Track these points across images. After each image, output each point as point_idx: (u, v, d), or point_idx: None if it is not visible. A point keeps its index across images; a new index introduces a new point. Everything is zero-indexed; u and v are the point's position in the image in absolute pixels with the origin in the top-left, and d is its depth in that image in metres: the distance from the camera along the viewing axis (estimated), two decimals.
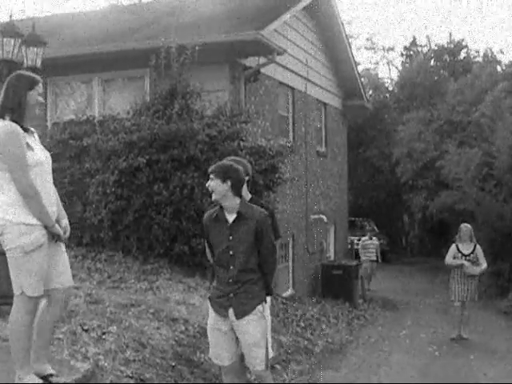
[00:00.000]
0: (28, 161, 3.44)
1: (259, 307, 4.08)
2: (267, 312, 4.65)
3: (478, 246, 9.23)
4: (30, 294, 3.45)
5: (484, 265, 9.14)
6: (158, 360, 5.14)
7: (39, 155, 3.54)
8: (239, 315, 4.03)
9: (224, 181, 4.01)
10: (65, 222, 3.71)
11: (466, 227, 9.35)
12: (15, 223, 3.41)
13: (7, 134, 3.41)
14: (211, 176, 4.07)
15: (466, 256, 9.10)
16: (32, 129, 3.70)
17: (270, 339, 4.61)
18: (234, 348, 4.13)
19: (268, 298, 4.51)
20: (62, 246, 3.69)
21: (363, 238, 16.93)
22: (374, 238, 16.88)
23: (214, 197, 4.06)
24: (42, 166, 3.54)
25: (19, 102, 3.50)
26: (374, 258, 16.39)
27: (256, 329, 4.05)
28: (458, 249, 9.19)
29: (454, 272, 9.21)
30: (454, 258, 9.15)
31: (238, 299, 4.03)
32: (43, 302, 3.62)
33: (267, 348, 4.19)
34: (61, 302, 3.63)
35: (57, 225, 3.56)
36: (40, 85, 3.64)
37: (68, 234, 3.71)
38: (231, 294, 4.04)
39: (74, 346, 4.65)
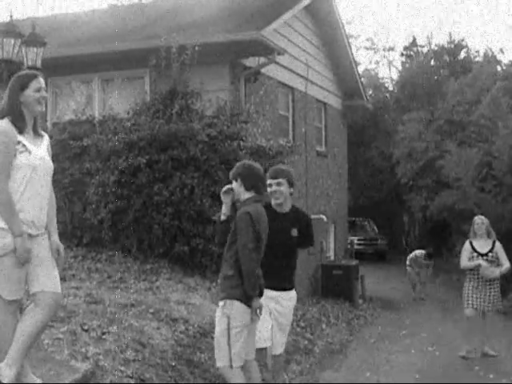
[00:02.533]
0: (16, 162, 3.40)
1: (221, 303, 4.13)
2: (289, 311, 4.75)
3: (497, 243, 7.68)
4: (6, 297, 3.42)
5: (507, 264, 7.61)
6: (158, 360, 5.14)
7: (33, 160, 3.48)
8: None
9: (235, 179, 4.27)
10: (54, 237, 3.64)
11: (480, 220, 7.82)
12: None
13: None
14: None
15: (482, 255, 7.60)
16: (42, 132, 3.68)
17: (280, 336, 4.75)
18: None
19: (292, 294, 4.76)
20: (50, 254, 3.58)
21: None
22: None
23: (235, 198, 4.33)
24: (34, 170, 3.47)
25: (12, 105, 3.49)
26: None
27: (217, 324, 4.15)
28: (473, 247, 7.69)
29: (470, 275, 7.72)
30: (470, 259, 7.67)
31: (218, 286, 4.41)
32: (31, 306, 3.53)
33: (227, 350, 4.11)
34: (45, 306, 3.46)
35: (23, 238, 3.38)
36: (38, 80, 3.56)
37: (59, 250, 3.61)
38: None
39: (73, 346, 4.65)
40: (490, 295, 7.63)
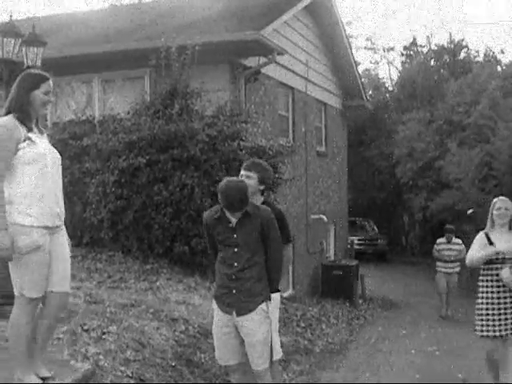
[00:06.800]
0: (26, 156, 3.39)
1: (262, 306, 4.04)
2: (274, 311, 4.53)
3: None
4: (29, 296, 3.41)
5: None
6: (158, 360, 5.14)
7: (42, 151, 3.46)
8: (240, 313, 4.02)
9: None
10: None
11: (504, 204, 5.24)
12: (10, 223, 3.32)
13: None
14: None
15: (504, 253, 5.10)
16: (43, 129, 3.69)
17: (276, 339, 4.48)
18: (238, 347, 4.11)
19: (276, 296, 4.41)
20: (67, 252, 3.62)
21: (438, 240, 11.96)
22: (455, 239, 11.71)
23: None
24: (44, 160, 3.45)
25: (21, 103, 3.48)
26: (451, 270, 11.66)
27: (259, 328, 4.02)
28: (490, 240, 5.19)
29: (487, 282, 5.18)
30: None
31: (240, 296, 4.03)
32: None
33: (271, 347, 4.12)
34: (56, 304, 3.52)
35: (4, 234, 3.28)
36: (48, 82, 3.55)
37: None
38: (234, 291, 4.03)
39: (74, 346, 4.65)
40: None
